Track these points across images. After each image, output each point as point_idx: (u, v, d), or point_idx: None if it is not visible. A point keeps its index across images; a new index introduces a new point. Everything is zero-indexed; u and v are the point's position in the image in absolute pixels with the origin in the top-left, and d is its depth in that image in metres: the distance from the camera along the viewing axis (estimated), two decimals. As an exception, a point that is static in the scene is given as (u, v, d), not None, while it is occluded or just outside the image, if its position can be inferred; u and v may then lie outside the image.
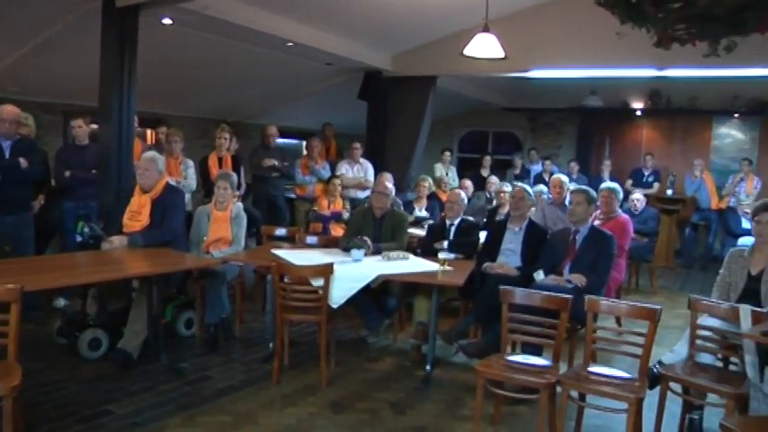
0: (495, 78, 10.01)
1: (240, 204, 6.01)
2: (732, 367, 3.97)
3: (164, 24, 6.36)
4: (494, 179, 9.25)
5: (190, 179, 6.88)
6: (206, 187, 7.17)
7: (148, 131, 8.79)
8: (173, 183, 5.71)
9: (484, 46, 5.60)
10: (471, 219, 6.09)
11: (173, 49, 7.13)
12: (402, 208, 7.39)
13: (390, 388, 4.63)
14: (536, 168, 11.49)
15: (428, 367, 4.79)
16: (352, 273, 4.64)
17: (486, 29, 5.59)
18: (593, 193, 5.14)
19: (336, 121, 9.88)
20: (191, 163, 6.98)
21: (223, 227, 5.65)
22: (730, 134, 11.92)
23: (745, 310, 3.73)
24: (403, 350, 5.43)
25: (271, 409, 4.14)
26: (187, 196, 6.76)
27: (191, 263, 5.12)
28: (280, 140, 8.57)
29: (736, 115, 11.66)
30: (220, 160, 7.32)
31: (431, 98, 9.18)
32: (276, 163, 7.97)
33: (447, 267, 4.71)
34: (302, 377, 4.71)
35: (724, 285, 4.30)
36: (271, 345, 4.94)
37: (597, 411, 3.92)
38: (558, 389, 3.63)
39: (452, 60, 6.95)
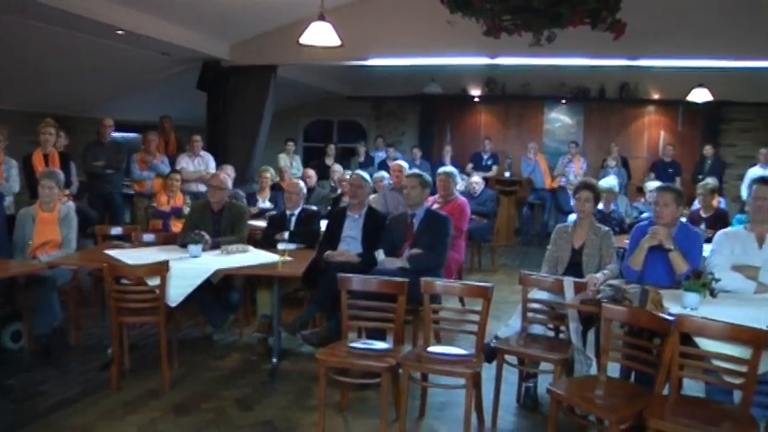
0: (338, 67, 10.08)
1: (71, 204, 5.64)
2: (562, 335, 4.23)
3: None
4: (337, 167, 9.31)
5: (12, 181, 6.39)
6: (31, 187, 6.66)
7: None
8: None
9: (320, 34, 5.59)
10: (314, 208, 6.08)
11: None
12: (245, 200, 7.25)
13: (237, 384, 4.54)
14: (380, 155, 11.70)
15: (274, 360, 4.74)
16: (190, 269, 4.49)
17: (321, 17, 5.58)
18: (428, 177, 5.28)
19: (175, 113, 9.47)
20: (14, 162, 6.49)
21: (50, 229, 5.26)
22: (559, 119, 12.74)
23: (569, 282, 4.01)
24: (249, 345, 5.34)
25: (110, 419, 3.92)
26: (9, 199, 6.27)
27: (15, 270, 4.71)
28: (116, 134, 8.14)
29: (563, 101, 12.49)
30: (46, 157, 6.83)
31: (272, 88, 9.06)
32: (101, 163, 7.57)
33: (287, 258, 4.67)
34: (144, 381, 4.50)
35: (552, 260, 4.59)
36: (109, 350, 4.68)
37: (441, 389, 4.07)
38: (401, 371, 3.71)
39: (291, 49, 6.89)
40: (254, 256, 4.93)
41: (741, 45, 7.33)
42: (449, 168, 6.58)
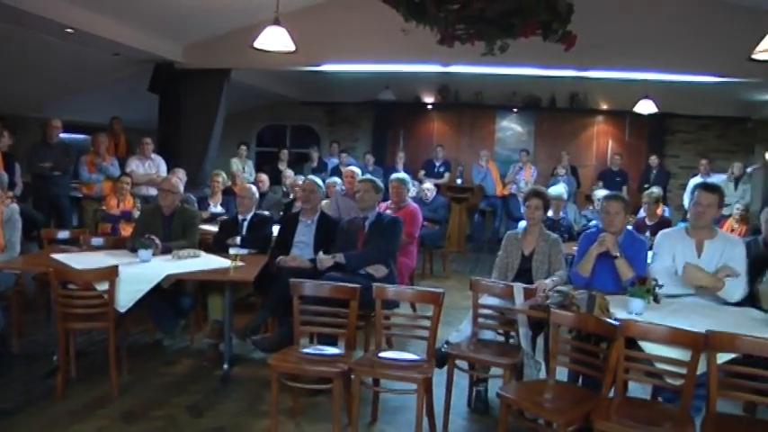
0: (292, 72, 10.05)
1: (15, 206, 5.47)
2: (512, 341, 4.30)
3: None
4: (289, 173, 9.28)
5: (-48, 184, 6.17)
6: (-27, 190, 6.46)
7: None
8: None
9: (274, 39, 5.58)
10: (266, 213, 6.06)
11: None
12: (196, 204, 7.18)
13: (188, 391, 4.48)
14: (333, 161, 11.70)
15: (226, 366, 4.70)
16: (140, 274, 4.42)
17: (276, 22, 5.57)
18: (380, 182, 5.31)
19: (126, 114, 9.31)
20: (-44, 165, 6.28)
21: (-8, 232, 5.12)
22: (511, 127, 12.96)
23: (518, 288, 4.08)
24: (201, 351, 5.27)
25: (55, 429, 3.82)
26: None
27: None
28: (64, 135, 7.97)
29: (515, 110, 12.71)
30: (-11, 158, 6.65)
31: (225, 91, 8.99)
32: (48, 164, 7.40)
33: (239, 263, 4.65)
34: (91, 390, 4.39)
35: (502, 266, 4.66)
36: (55, 358, 4.55)
37: (393, 394, 4.10)
38: (353, 376, 3.72)
39: (245, 53, 6.81)
40: (206, 261, 4.89)
41: (684, 60, 7.59)
42: (401, 175, 6.63)
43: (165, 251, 5.00)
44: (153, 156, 8.27)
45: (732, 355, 3.14)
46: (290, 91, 12.36)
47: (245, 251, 4.91)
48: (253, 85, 10.55)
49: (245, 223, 5.72)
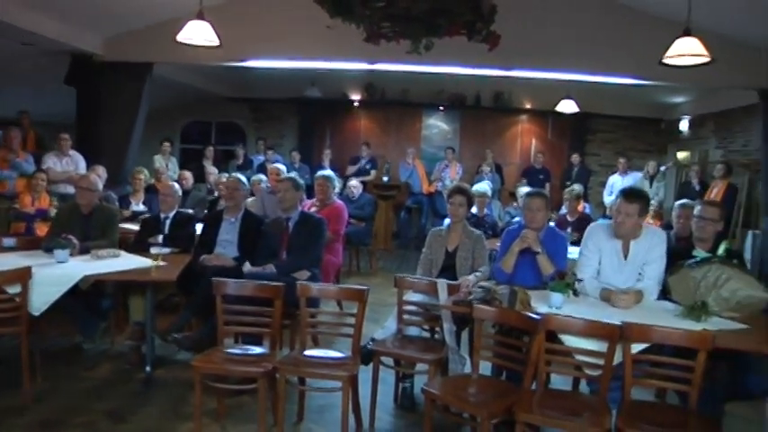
0: (216, 67, 9.86)
1: None
2: (437, 336, 4.35)
3: None
4: (212, 170, 9.13)
5: None
6: None
7: None
8: None
9: (198, 33, 5.48)
10: (190, 211, 5.94)
11: None
12: (117, 202, 6.98)
13: (109, 396, 4.34)
14: (259, 158, 11.58)
15: (148, 369, 4.58)
16: (56, 275, 4.24)
17: (200, 15, 5.47)
18: (300, 180, 5.28)
19: (39, 108, 8.95)
20: None
21: None
22: (437, 125, 13.13)
23: (442, 284, 4.14)
24: (122, 353, 5.11)
25: (-36, 441, 3.66)
26: None
27: None
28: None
29: (441, 108, 12.86)
30: None
31: (147, 86, 8.71)
32: None
33: (161, 263, 4.54)
34: (4, 398, 4.17)
35: (427, 262, 4.71)
36: (-38, 366, 4.35)
37: (319, 393, 4.08)
38: (278, 375, 3.69)
39: (168, 47, 6.63)
40: (126, 261, 4.74)
41: (603, 62, 7.85)
42: (327, 172, 6.63)
43: (83, 251, 4.82)
44: (71, 152, 7.97)
45: (645, 345, 3.28)
46: (215, 87, 12.14)
47: (167, 250, 4.80)
48: (176, 81, 10.30)
49: (168, 222, 5.59)
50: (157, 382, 4.58)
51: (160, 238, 5.31)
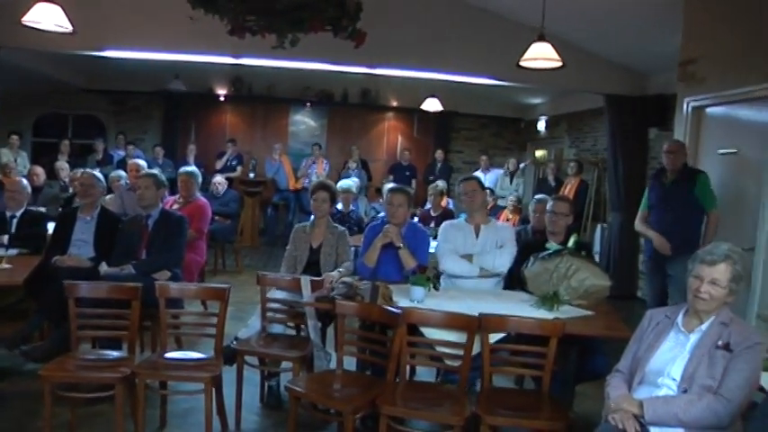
0: (72, 56, 9.24)
1: None
2: (303, 333, 4.34)
3: None
4: (64, 165, 8.62)
5: None
6: None
7: None
8: None
9: (48, 17, 5.10)
10: (41, 209, 5.58)
11: None
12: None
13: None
14: (120, 153, 11.08)
15: (-8, 381, 4.25)
16: None
17: (51, -3, 5.11)
18: (162, 176, 5.10)
19: None
20: None
21: None
22: (304, 121, 13.10)
23: (305, 280, 4.14)
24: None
25: None
26: None
27: None
28: None
29: (308, 104, 12.84)
30: None
31: (-10, 74, 8.10)
32: None
33: (5, 265, 4.24)
34: None
35: (291, 259, 4.69)
36: None
37: (183, 396, 3.95)
38: (137, 380, 3.53)
39: (15, 30, 6.13)
40: (-34, 264, 4.38)
41: (465, 62, 8.11)
42: (190, 168, 6.42)
43: None
44: None
45: (503, 335, 3.45)
46: (71, 77, 11.37)
47: (13, 251, 4.48)
48: (26, 68, 9.49)
49: (15, 220, 5.22)
50: (2, 396, 4.21)
51: (5, 238, 4.94)
